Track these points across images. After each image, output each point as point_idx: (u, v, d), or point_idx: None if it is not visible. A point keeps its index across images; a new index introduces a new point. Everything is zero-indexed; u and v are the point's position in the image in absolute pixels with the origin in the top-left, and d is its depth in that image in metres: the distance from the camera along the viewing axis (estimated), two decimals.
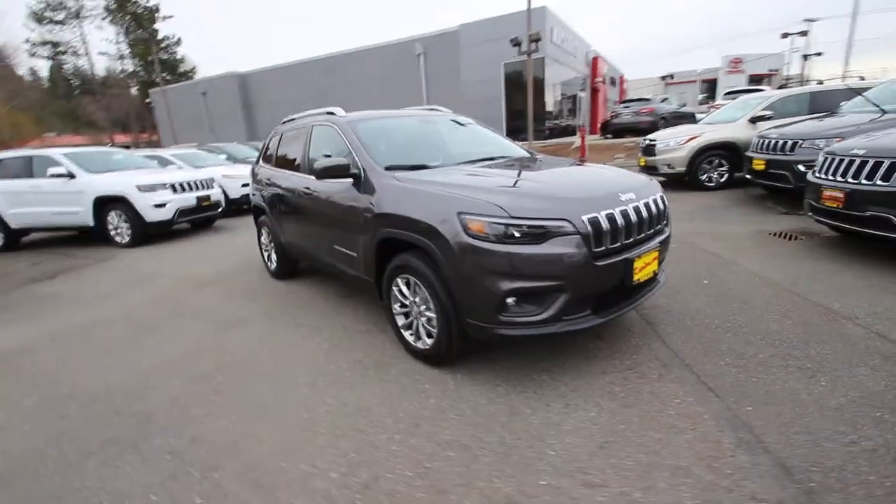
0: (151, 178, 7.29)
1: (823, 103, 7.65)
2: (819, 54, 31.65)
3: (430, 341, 2.71)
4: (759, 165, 6.53)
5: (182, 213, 7.47)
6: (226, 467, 2.07)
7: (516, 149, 3.84)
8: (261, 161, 4.97)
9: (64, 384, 2.98)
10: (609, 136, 17.37)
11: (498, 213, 2.24)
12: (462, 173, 2.90)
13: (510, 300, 2.26)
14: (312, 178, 3.66)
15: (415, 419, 2.30)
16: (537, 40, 13.72)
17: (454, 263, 2.33)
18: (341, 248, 3.38)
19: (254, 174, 5.10)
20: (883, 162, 3.71)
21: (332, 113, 3.83)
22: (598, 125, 22.54)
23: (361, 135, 3.33)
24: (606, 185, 2.63)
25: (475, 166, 3.16)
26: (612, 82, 30.82)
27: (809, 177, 4.57)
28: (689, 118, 16.61)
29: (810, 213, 4.59)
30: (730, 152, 7.86)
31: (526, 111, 17.46)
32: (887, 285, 3.41)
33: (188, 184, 7.64)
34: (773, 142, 6.40)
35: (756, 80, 44.40)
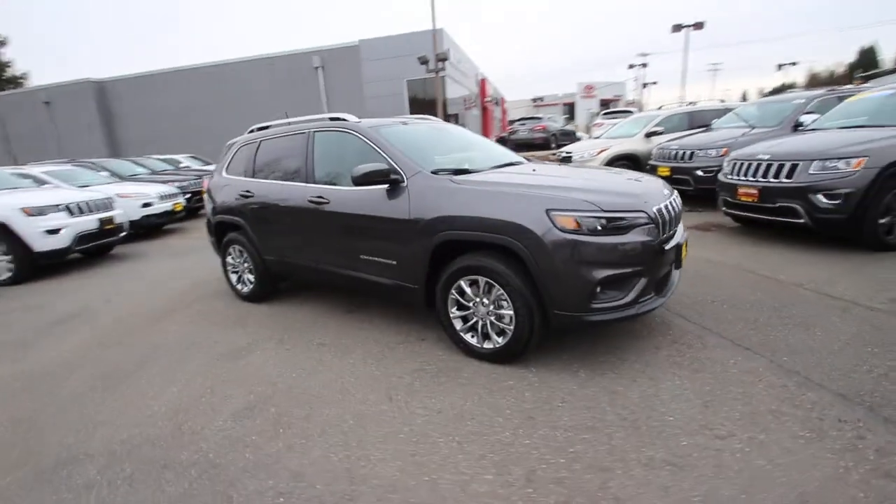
0: (40, 199, 5.98)
1: (698, 121, 9.37)
2: (654, 83, 38.14)
3: (501, 340, 2.76)
4: (664, 172, 7.72)
5: (82, 238, 6.23)
6: (361, 496, 1.88)
7: (517, 156, 4.07)
8: (224, 173, 4.46)
9: (51, 449, 2.35)
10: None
11: (590, 208, 2.42)
12: (517, 175, 3.02)
13: (599, 288, 2.44)
14: (327, 186, 3.46)
15: (524, 413, 2.33)
16: (444, 59, 14.36)
17: (546, 258, 2.43)
18: (373, 257, 3.23)
19: (213, 189, 4.54)
20: (785, 164, 4.75)
21: (340, 119, 3.65)
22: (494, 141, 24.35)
23: (392, 140, 3.25)
24: (651, 183, 2.99)
25: (512, 169, 3.31)
26: (496, 103, 33.33)
27: (722, 178, 5.59)
28: (572, 135, 18.81)
29: (724, 208, 5.63)
30: (632, 162, 9.14)
31: None
32: (806, 258, 4.35)
33: (86, 204, 6.42)
34: (674, 152, 7.64)
35: (605, 103, 51.86)
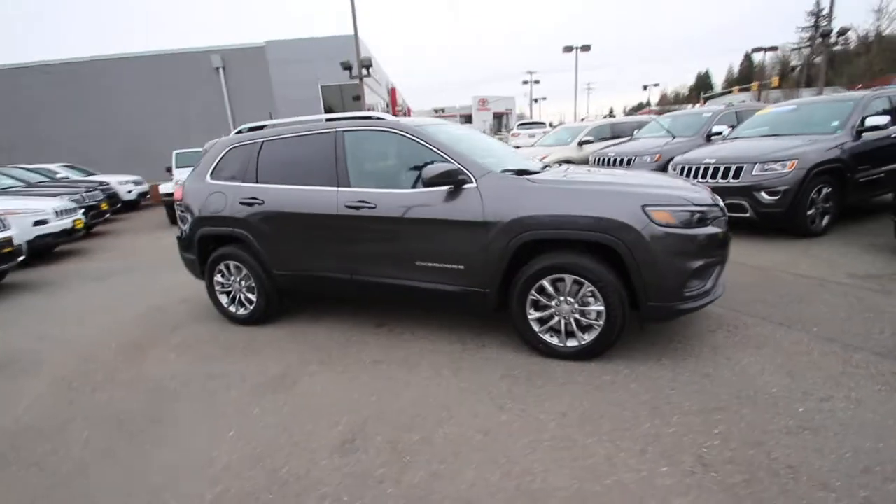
0: None
1: (619, 131, 10.46)
2: (544, 98, 41.60)
3: (587, 336, 2.79)
4: None
5: None
6: None
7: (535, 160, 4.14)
8: (208, 179, 3.85)
9: None
10: None
11: (683, 202, 2.58)
12: (586, 174, 3.11)
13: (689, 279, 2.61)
14: (371, 190, 3.19)
15: (646, 404, 2.37)
16: (369, 66, 14.05)
17: (645, 252, 2.53)
18: (433, 263, 3.04)
19: (192, 198, 3.89)
20: (731, 167, 5.52)
21: (373, 117, 3.39)
22: None
23: (447, 141, 3.11)
24: (698, 184, 3.28)
25: (570, 169, 3.40)
26: (405, 113, 33.46)
27: None
28: None
29: None
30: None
31: None
32: (761, 246, 5.09)
33: None
34: (612, 158, 8.42)
35: (497, 116, 55.26)
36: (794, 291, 3.71)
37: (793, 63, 59.77)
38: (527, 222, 2.73)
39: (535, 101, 40.31)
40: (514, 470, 1.98)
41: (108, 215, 10.00)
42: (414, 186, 3.14)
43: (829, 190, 5.28)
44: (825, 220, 5.35)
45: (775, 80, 37.57)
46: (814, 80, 53.40)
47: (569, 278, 2.73)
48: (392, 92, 26.46)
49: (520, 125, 21.16)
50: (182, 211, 4.01)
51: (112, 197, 10.66)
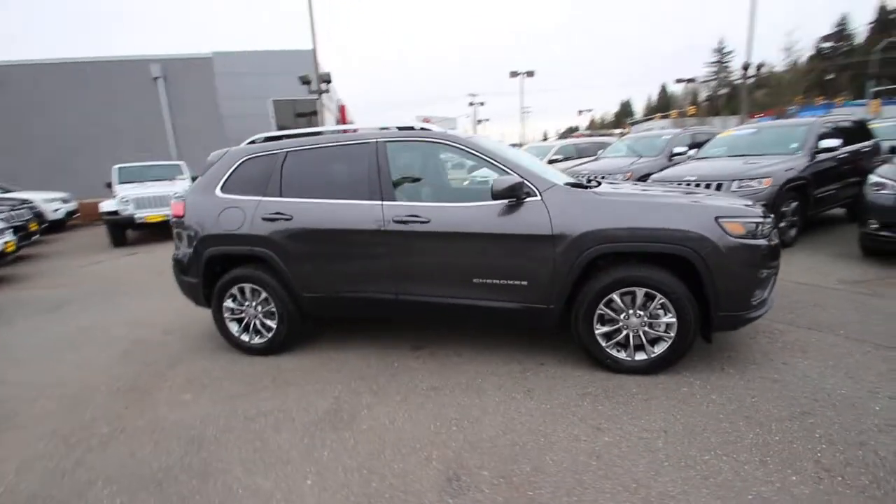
0: None
1: (583, 152, 10.96)
2: (487, 120, 42.99)
3: (657, 349, 2.77)
4: None
5: None
6: None
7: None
8: (219, 192, 3.45)
9: None
10: None
11: (752, 214, 2.66)
12: (644, 188, 3.14)
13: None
14: (422, 203, 3.02)
15: (738, 413, 2.37)
16: (328, 81, 13.70)
17: (720, 263, 2.57)
18: (493, 280, 2.90)
19: (196, 214, 3.47)
20: (711, 183, 5.92)
21: (416, 128, 3.22)
22: None
23: (503, 153, 3.01)
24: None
25: (622, 184, 3.42)
26: (354, 130, 32.96)
27: None
28: None
29: None
30: None
31: None
32: None
33: None
34: (586, 177, 8.76)
35: None
36: (804, 298, 3.98)
37: (703, 94, 66.79)
38: (600, 235, 2.69)
39: (479, 122, 41.51)
40: (651, 495, 1.88)
41: (36, 236, 8.75)
42: (467, 200, 3.01)
43: (796, 204, 5.82)
44: (793, 232, 5.87)
45: (692, 109, 41.72)
46: (720, 109, 60.21)
47: (640, 291, 2.71)
48: (342, 109, 26.02)
49: None
50: (181, 229, 3.56)
51: (38, 216, 9.37)
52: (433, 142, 3.14)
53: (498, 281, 2.91)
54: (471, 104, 38.96)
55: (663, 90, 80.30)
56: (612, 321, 2.82)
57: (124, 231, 9.10)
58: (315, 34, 13.77)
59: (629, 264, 2.73)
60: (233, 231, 3.33)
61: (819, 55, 50.52)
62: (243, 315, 3.47)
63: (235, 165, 3.47)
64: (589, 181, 3.53)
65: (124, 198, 8.88)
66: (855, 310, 3.63)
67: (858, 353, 2.93)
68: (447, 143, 3.11)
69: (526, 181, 2.84)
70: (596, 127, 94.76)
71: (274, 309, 3.36)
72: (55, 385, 3.21)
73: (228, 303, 3.47)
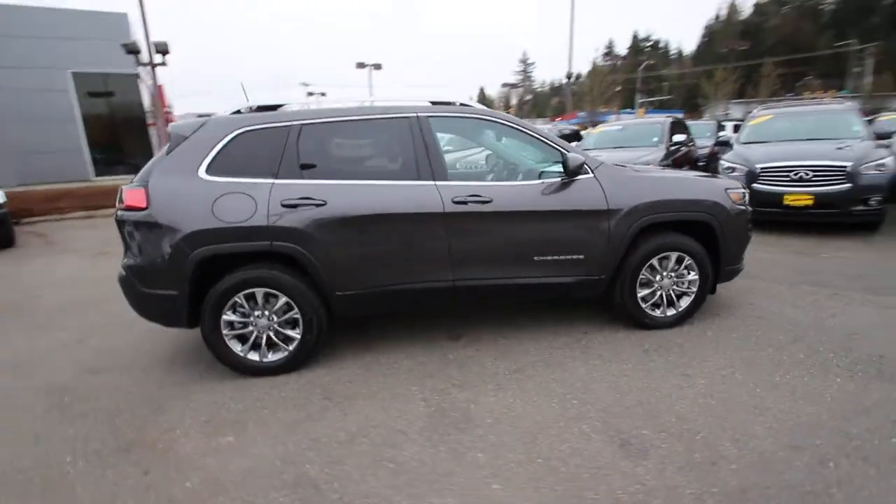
0: None
1: None
2: None
3: (683, 304, 3.23)
4: None
5: None
6: None
7: None
8: (204, 174, 2.67)
9: None
10: None
11: (742, 187, 3.28)
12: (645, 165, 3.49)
13: None
14: (480, 183, 2.88)
15: (800, 337, 2.96)
16: (164, 52, 11.26)
17: (730, 225, 3.13)
18: (553, 256, 2.96)
19: (176, 202, 2.64)
20: None
21: (455, 104, 3.02)
22: None
23: (549, 133, 3.05)
24: None
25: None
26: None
27: None
28: None
29: None
30: None
31: (127, 140, 14.00)
32: None
33: None
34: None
35: None
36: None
37: (514, 99, 76.25)
38: (648, 207, 2.99)
39: None
40: (775, 410, 2.24)
41: None
42: (517, 178, 2.99)
43: None
44: None
45: (511, 111, 47.37)
46: (528, 113, 69.78)
47: (673, 255, 3.12)
48: (160, 90, 21.67)
49: None
50: (142, 226, 2.65)
51: None
52: (479, 118, 3.01)
53: (558, 257, 2.99)
54: (310, 94, 36.75)
55: (482, 92, 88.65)
56: (649, 284, 3.17)
57: None
58: None
59: (665, 233, 3.11)
60: (239, 223, 2.63)
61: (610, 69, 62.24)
62: (250, 329, 2.78)
63: (225, 140, 2.73)
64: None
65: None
66: (818, 271, 4.61)
67: (858, 303, 3.54)
68: (493, 119, 3.02)
69: (580, 159, 2.97)
70: None
71: (298, 315, 2.78)
72: None
73: (229, 316, 2.73)
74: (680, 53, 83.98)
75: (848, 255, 4.82)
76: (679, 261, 3.15)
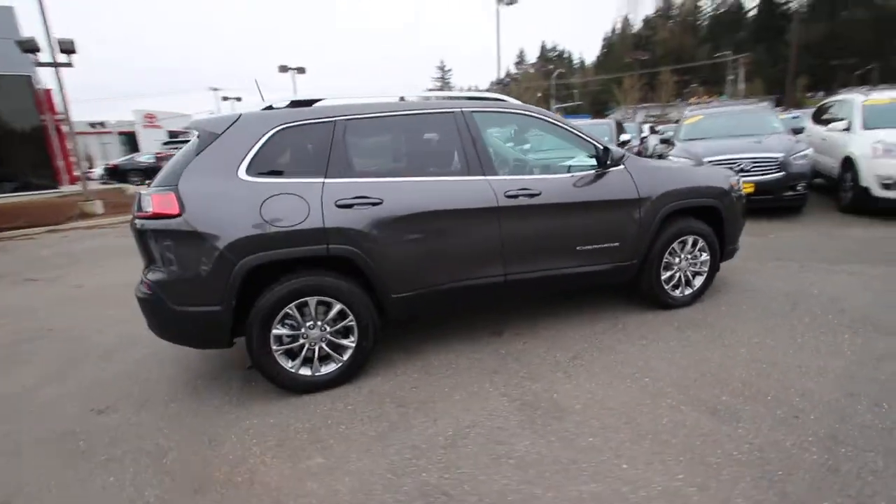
0: None
1: None
2: None
3: (697, 283, 3.51)
4: None
5: None
6: None
7: None
8: (245, 175, 2.41)
9: None
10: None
11: (737, 175, 3.66)
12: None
13: None
14: (527, 177, 2.94)
15: (777, 311, 3.32)
16: (70, 51, 9.83)
17: (731, 209, 3.47)
18: (594, 245, 3.08)
19: (230, 207, 2.36)
20: None
21: (494, 98, 3.02)
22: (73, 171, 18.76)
23: (581, 128, 3.15)
24: None
25: None
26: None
27: None
28: None
29: None
30: None
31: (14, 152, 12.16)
32: None
33: None
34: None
35: (174, 134, 47.73)
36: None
37: None
38: (672, 194, 3.23)
39: None
40: (831, 367, 2.52)
41: None
42: (556, 171, 3.08)
43: None
44: None
45: None
46: None
47: (690, 238, 3.39)
48: (48, 94, 18.94)
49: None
50: (176, 235, 2.33)
51: None
52: (517, 113, 3.06)
53: (598, 245, 3.11)
54: (224, 98, 34.12)
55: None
56: (669, 266, 3.42)
57: None
58: None
59: (685, 218, 3.37)
60: (292, 227, 2.41)
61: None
62: (300, 342, 2.56)
63: (266, 137, 2.50)
64: None
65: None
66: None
67: (845, 275, 4.03)
68: (529, 114, 3.08)
69: (611, 151, 3.12)
70: None
71: (352, 322, 2.61)
72: None
73: (279, 330, 2.49)
74: (582, 63, 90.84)
75: (791, 234, 5.54)
76: (694, 244, 3.43)
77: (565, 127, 3.15)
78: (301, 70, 25.30)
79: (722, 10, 64.37)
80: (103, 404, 2.68)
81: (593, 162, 3.11)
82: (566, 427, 2.19)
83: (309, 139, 2.58)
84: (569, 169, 3.15)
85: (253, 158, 2.46)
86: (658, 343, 2.98)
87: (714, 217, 3.46)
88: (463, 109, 2.88)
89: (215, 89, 43.78)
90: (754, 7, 57.26)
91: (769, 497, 1.70)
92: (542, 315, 3.50)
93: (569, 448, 2.04)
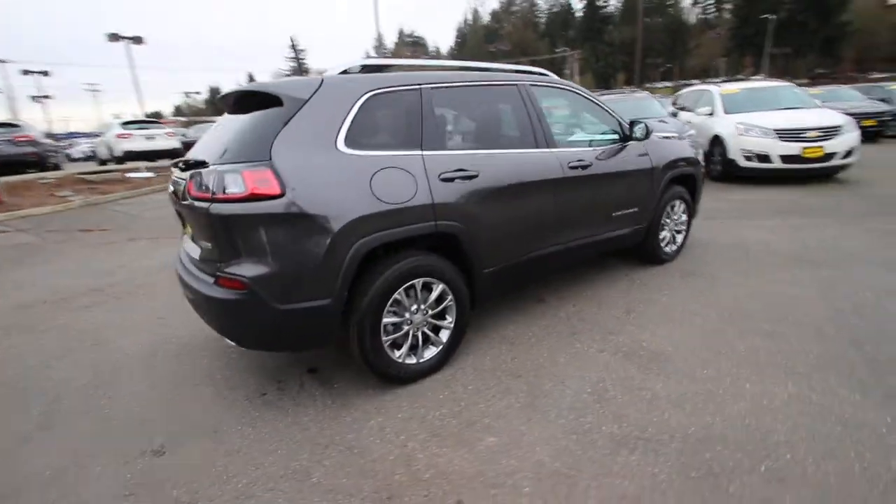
0: None
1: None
2: (48, 97, 31.54)
3: (679, 239, 4.14)
4: None
5: None
6: None
7: None
8: (344, 147, 2.12)
9: None
10: None
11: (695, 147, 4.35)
12: None
13: None
14: (577, 149, 3.10)
15: (769, 272, 4.10)
16: None
17: (700, 176, 4.16)
18: (624, 210, 3.42)
19: (335, 185, 2.05)
20: None
21: (538, 73, 3.08)
22: None
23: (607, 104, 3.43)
24: None
25: None
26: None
27: None
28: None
29: None
30: None
31: None
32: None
33: None
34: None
35: None
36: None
37: None
38: (672, 164, 3.74)
39: (36, 98, 29.29)
40: (865, 305, 3.25)
41: None
42: (594, 143, 3.31)
43: None
44: None
45: None
46: None
47: (678, 202, 3.98)
48: None
49: (126, 123, 14.91)
50: (279, 220, 1.96)
51: None
52: (561, 88, 3.20)
53: (626, 211, 3.46)
54: (25, 72, 26.50)
55: (251, 78, 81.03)
56: (664, 227, 3.96)
57: None
58: None
59: (675, 185, 3.92)
60: (402, 204, 2.21)
61: None
62: (404, 329, 2.38)
63: (358, 104, 2.21)
64: None
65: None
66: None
67: (864, 228, 5.21)
68: (570, 89, 3.26)
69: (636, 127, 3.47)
70: (183, 114, 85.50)
71: (451, 302, 2.51)
72: None
73: (387, 318, 2.28)
74: (438, 51, 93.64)
75: (743, 197, 6.67)
76: (679, 206, 4.03)
77: (597, 102, 3.40)
78: (137, 40, 21.21)
79: (556, 10, 72.48)
80: (161, 443, 2.13)
81: (614, 136, 3.43)
82: (677, 366, 2.48)
83: (400, 108, 2.36)
84: (613, 141, 3.41)
85: (350, 128, 2.17)
86: (678, 291, 3.47)
87: (690, 183, 4.11)
88: (522, 83, 2.92)
89: (2, 61, 34.10)
90: (582, 8, 65.64)
91: (864, 375, 2.23)
92: (564, 282, 3.75)
93: (695, 382, 2.33)
